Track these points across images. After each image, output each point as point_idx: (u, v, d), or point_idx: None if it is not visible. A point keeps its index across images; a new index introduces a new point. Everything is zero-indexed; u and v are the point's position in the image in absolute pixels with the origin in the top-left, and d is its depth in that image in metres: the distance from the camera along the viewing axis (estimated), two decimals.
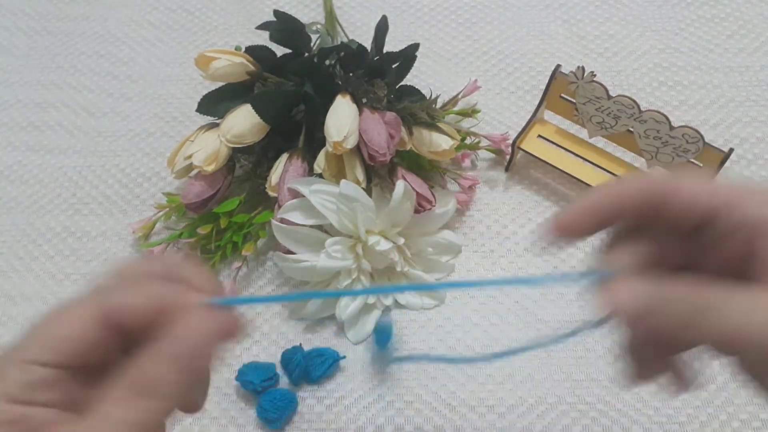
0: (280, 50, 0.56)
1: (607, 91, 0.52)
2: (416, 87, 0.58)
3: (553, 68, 0.54)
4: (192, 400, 0.29)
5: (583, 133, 0.57)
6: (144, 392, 0.23)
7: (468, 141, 0.61)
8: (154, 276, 0.26)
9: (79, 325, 0.24)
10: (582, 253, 0.56)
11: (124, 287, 0.26)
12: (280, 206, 0.52)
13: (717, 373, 0.51)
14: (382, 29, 0.55)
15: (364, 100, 0.53)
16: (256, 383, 0.49)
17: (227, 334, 0.25)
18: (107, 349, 0.25)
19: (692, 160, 0.52)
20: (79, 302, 0.25)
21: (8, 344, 0.25)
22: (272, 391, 0.49)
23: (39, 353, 0.24)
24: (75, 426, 0.23)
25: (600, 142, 0.58)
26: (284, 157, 0.53)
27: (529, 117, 0.58)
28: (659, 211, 0.27)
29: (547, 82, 0.55)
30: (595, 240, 0.30)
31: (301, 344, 0.52)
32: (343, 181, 0.50)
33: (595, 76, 0.52)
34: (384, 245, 0.50)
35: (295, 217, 0.51)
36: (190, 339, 0.24)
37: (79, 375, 0.25)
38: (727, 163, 0.50)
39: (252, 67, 0.54)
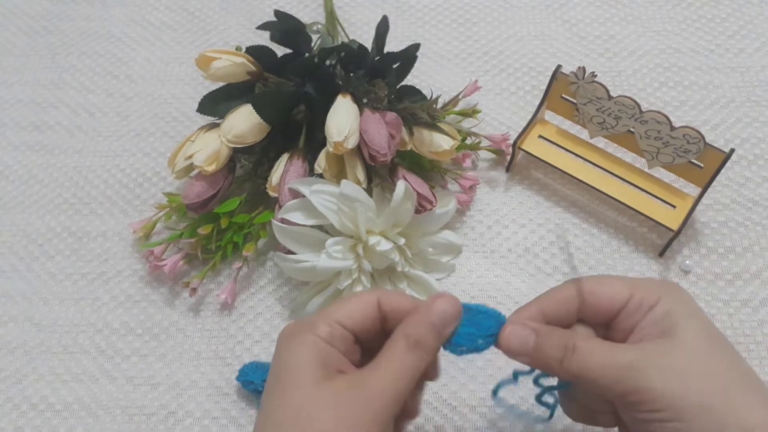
0: (280, 50, 0.56)
1: (607, 91, 0.52)
2: (417, 87, 0.58)
3: (553, 68, 0.54)
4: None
5: (584, 134, 0.57)
6: (414, 346, 0.34)
7: (469, 141, 0.61)
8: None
9: (365, 303, 0.36)
10: (583, 254, 0.56)
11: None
12: (280, 206, 0.51)
13: None
14: (382, 29, 0.55)
15: (365, 101, 0.53)
16: (257, 383, 0.49)
17: (459, 313, 0.36)
18: (375, 329, 0.36)
19: (693, 160, 0.52)
20: (366, 291, 0.38)
21: (319, 310, 0.37)
22: None
23: (339, 317, 0.35)
24: (368, 370, 0.34)
25: (601, 142, 0.58)
26: (285, 157, 0.53)
27: (529, 117, 0.58)
28: (579, 312, 0.37)
29: (547, 82, 0.55)
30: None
31: None
32: (343, 181, 0.50)
33: (596, 76, 0.52)
34: (385, 245, 0.50)
35: (296, 217, 0.51)
36: (442, 310, 0.35)
37: (356, 345, 0.36)
38: (728, 164, 0.50)
39: (252, 67, 0.54)
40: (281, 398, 0.33)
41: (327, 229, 0.52)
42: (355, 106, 0.51)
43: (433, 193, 0.53)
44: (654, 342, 0.35)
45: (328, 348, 0.34)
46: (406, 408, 0.38)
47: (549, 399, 0.40)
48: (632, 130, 0.53)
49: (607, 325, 0.38)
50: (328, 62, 0.56)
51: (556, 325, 0.37)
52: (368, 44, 0.56)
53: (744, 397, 0.33)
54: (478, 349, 0.36)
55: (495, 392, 0.41)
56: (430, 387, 0.51)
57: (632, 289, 0.36)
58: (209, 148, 0.52)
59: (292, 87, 0.54)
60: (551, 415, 0.41)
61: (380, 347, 0.35)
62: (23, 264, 0.58)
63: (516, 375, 0.39)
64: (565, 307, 0.37)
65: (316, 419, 0.32)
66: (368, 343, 0.37)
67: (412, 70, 0.57)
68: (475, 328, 0.36)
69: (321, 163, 0.52)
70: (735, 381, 0.33)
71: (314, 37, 0.62)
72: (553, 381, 0.39)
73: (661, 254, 0.56)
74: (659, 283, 0.37)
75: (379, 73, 0.54)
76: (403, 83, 0.57)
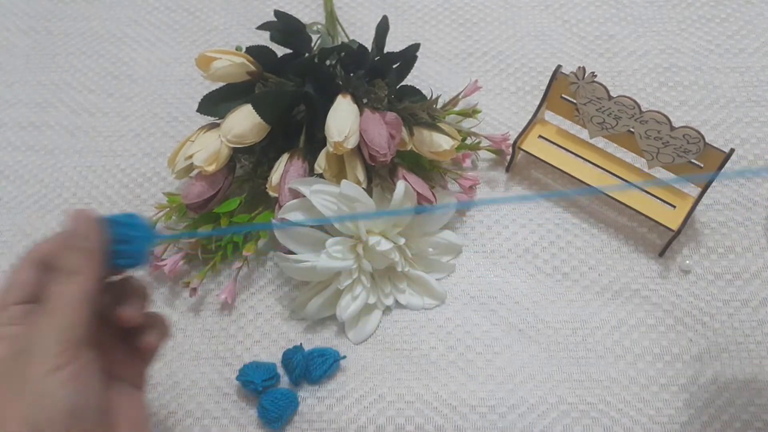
0: (280, 50, 0.56)
1: (607, 91, 0.52)
2: (417, 87, 0.58)
3: (553, 69, 0.54)
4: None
5: (584, 134, 0.57)
6: (69, 275, 0.35)
7: (468, 141, 0.61)
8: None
9: (19, 273, 0.37)
10: (583, 254, 0.56)
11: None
12: (280, 206, 0.52)
13: (718, 374, 0.51)
14: (382, 29, 0.55)
15: (365, 101, 0.53)
16: (257, 383, 0.49)
17: (89, 228, 0.37)
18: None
19: (693, 160, 0.52)
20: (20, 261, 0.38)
21: None
22: (273, 391, 0.49)
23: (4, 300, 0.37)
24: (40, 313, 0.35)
25: (601, 142, 0.58)
26: (285, 157, 0.53)
27: (529, 117, 0.58)
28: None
29: (547, 82, 0.55)
30: None
31: (301, 344, 0.52)
32: (343, 181, 0.50)
33: (595, 76, 0.52)
34: (384, 245, 0.50)
35: (296, 217, 0.51)
36: (73, 231, 0.36)
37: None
38: (728, 164, 0.50)
39: (252, 68, 0.54)
40: None
41: (327, 229, 0.52)
42: (355, 106, 0.51)
43: (433, 193, 0.53)
44: None
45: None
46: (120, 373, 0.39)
47: None
48: (632, 130, 0.53)
49: None
50: (328, 62, 0.56)
51: None
52: (368, 44, 0.56)
53: None
54: (136, 263, 0.38)
55: None
56: (431, 387, 0.51)
57: None
58: (209, 148, 0.52)
59: (292, 87, 0.54)
60: None
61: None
62: None
63: None
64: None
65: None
66: None
67: (412, 70, 0.57)
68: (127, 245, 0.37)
69: (321, 163, 0.52)
70: None
71: (314, 37, 0.62)
72: None
73: (661, 254, 0.56)
74: None
75: (379, 73, 0.54)
76: (403, 83, 0.57)
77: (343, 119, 0.49)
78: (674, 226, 0.53)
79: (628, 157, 0.57)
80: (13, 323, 0.36)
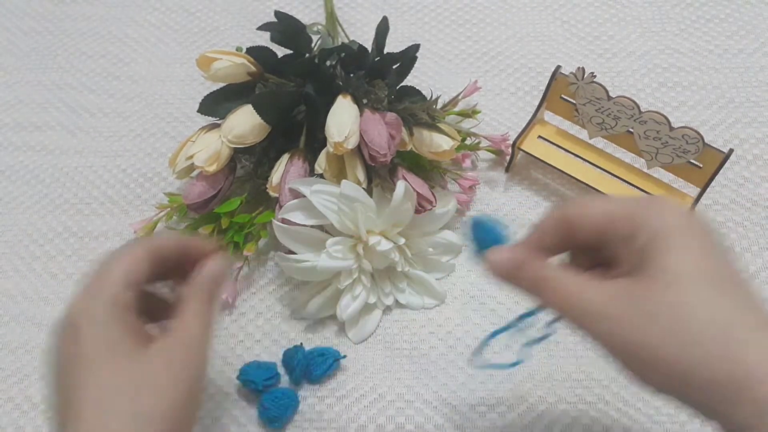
0: (281, 51, 0.56)
1: (607, 92, 0.52)
2: (417, 88, 0.58)
3: (553, 69, 0.54)
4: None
5: (583, 134, 0.57)
6: (200, 310, 0.38)
7: (468, 141, 0.61)
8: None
9: (133, 263, 0.37)
10: None
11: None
12: (281, 206, 0.52)
13: None
14: (382, 30, 0.56)
15: (365, 101, 0.53)
16: (257, 382, 0.50)
17: (223, 272, 0.40)
18: (155, 276, 0.39)
19: (692, 160, 0.52)
20: (133, 246, 0.39)
21: (89, 284, 0.37)
22: (273, 390, 0.50)
23: (117, 279, 0.37)
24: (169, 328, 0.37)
25: (600, 142, 0.58)
26: (285, 157, 0.54)
27: (529, 118, 0.58)
28: (571, 239, 0.35)
29: (547, 83, 0.55)
30: None
31: (302, 343, 0.52)
32: (344, 181, 0.50)
33: (595, 77, 0.52)
34: (385, 245, 0.51)
35: (296, 217, 0.51)
36: (213, 270, 0.40)
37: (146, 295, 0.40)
38: (726, 164, 0.50)
39: (253, 68, 0.54)
40: (82, 379, 0.34)
41: (327, 229, 0.53)
42: (355, 107, 0.51)
43: (433, 193, 0.53)
44: (630, 280, 0.31)
45: (120, 318, 0.35)
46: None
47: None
48: (631, 130, 0.53)
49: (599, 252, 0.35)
50: (328, 63, 0.56)
51: (554, 253, 0.36)
52: (368, 45, 0.56)
53: (747, 336, 0.28)
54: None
55: (478, 352, 0.41)
56: (431, 386, 0.51)
57: (611, 215, 0.33)
58: (210, 148, 0.52)
59: (293, 87, 0.55)
60: (519, 362, 0.40)
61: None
62: (25, 264, 0.58)
63: (494, 333, 0.39)
64: (553, 236, 0.35)
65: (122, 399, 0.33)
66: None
67: (412, 71, 0.57)
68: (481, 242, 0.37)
69: (321, 163, 0.52)
70: (734, 323, 0.29)
71: (314, 37, 0.62)
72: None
73: None
74: (641, 205, 0.33)
75: (379, 73, 0.55)
76: (403, 84, 0.57)
77: (343, 119, 0.50)
78: None
79: (628, 157, 0.57)
80: (123, 314, 0.36)
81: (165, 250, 0.39)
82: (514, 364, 0.40)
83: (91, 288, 0.36)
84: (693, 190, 0.55)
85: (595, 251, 0.35)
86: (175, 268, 0.40)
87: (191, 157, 0.52)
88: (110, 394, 0.33)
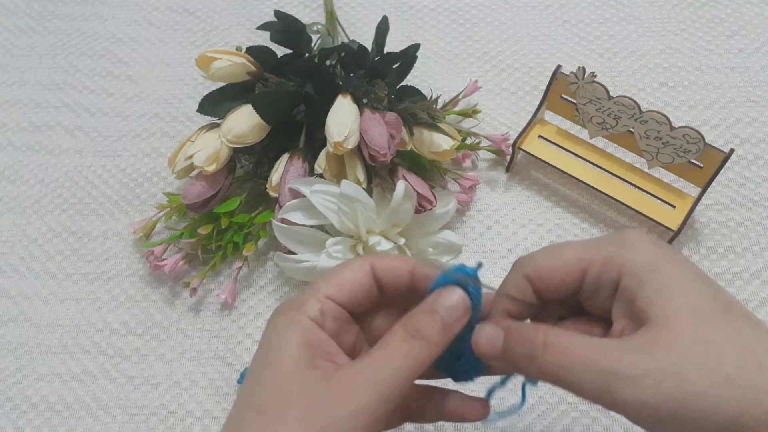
0: (280, 50, 0.56)
1: (607, 91, 0.52)
2: (417, 87, 0.58)
3: (553, 69, 0.54)
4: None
5: (584, 134, 0.57)
6: (412, 335, 0.30)
7: (468, 141, 0.61)
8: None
9: (356, 272, 0.33)
10: None
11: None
12: (280, 206, 0.52)
13: None
14: (382, 29, 0.55)
15: (365, 101, 0.53)
16: None
17: (467, 309, 0.32)
18: (371, 299, 0.34)
19: (693, 160, 0.52)
20: (357, 259, 0.34)
21: (310, 284, 0.33)
22: None
23: (330, 291, 0.32)
24: (357, 361, 0.30)
25: (600, 142, 0.58)
26: (285, 157, 0.53)
27: (529, 117, 0.58)
28: (539, 296, 0.33)
29: (547, 82, 0.55)
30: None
31: None
32: (343, 181, 0.50)
33: (595, 76, 0.52)
34: (385, 245, 0.50)
35: (296, 217, 0.51)
36: (453, 305, 0.31)
37: (351, 325, 0.34)
38: (727, 164, 0.50)
39: (253, 68, 0.54)
40: (260, 381, 0.30)
41: (327, 229, 0.52)
42: (355, 107, 0.51)
43: (433, 193, 0.53)
44: (633, 337, 0.29)
45: (315, 330, 0.31)
46: (411, 411, 0.35)
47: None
48: (632, 130, 0.53)
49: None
50: (328, 62, 0.56)
51: (522, 317, 0.33)
52: (368, 44, 0.56)
53: (758, 379, 0.27)
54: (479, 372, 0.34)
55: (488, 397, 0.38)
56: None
57: (586, 262, 0.31)
58: (209, 148, 0.52)
59: (292, 87, 0.54)
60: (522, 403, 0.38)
61: (379, 328, 0.33)
62: (23, 264, 0.58)
63: (504, 379, 0.37)
64: (520, 297, 0.33)
65: (291, 407, 0.29)
66: (365, 321, 0.35)
67: (412, 71, 0.57)
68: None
69: (321, 163, 0.52)
70: (741, 364, 0.27)
71: (314, 37, 0.62)
72: None
73: None
74: (615, 245, 0.31)
75: (379, 73, 0.54)
76: (403, 83, 0.57)
77: (343, 119, 0.50)
78: (674, 226, 0.53)
79: (628, 157, 0.57)
80: (314, 320, 0.32)
81: (388, 269, 0.33)
82: (522, 401, 0.37)
83: (301, 294, 0.33)
84: (694, 190, 0.54)
85: (559, 303, 0.33)
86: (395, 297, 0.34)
87: (190, 156, 0.52)
88: (264, 400, 0.30)
